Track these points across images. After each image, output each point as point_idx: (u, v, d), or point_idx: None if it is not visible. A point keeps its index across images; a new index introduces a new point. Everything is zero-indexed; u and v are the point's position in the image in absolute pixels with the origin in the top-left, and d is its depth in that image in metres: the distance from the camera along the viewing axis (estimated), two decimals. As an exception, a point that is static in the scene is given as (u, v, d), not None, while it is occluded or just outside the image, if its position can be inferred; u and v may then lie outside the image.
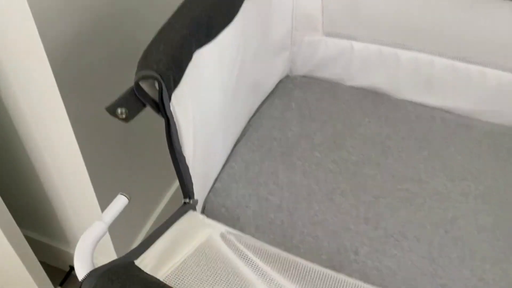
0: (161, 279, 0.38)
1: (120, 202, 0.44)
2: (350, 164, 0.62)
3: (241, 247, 0.42)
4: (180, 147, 0.42)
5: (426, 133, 0.67)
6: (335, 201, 0.57)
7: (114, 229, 0.81)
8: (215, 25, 0.47)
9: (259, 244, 0.43)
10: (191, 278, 0.40)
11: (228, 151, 0.62)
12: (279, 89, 0.72)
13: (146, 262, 0.41)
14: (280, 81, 0.74)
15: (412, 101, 0.71)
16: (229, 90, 0.53)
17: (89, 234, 0.42)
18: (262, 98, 0.69)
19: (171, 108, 0.40)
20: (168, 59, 0.39)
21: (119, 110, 0.38)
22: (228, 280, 0.42)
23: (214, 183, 0.58)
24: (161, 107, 0.39)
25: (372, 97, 0.72)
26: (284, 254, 0.43)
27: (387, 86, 0.71)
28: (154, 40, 0.40)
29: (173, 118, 0.40)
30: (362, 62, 0.70)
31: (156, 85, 0.38)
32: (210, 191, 0.56)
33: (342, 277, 0.39)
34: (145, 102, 0.39)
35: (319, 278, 0.42)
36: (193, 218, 0.45)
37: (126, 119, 0.39)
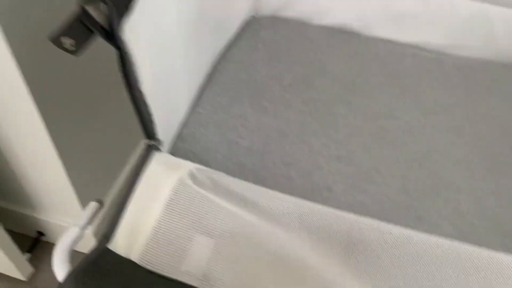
0: (137, 260, 0.39)
1: (92, 207, 0.44)
2: (321, 104, 0.60)
3: (215, 184, 0.40)
4: (136, 81, 0.39)
5: (397, 69, 0.65)
6: (307, 141, 0.55)
7: (81, 190, 0.78)
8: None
9: (232, 179, 0.41)
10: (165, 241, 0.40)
11: (193, 96, 0.58)
12: (244, 31, 0.68)
13: (119, 243, 0.40)
14: (246, 22, 0.70)
15: (383, 38, 0.69)
16: (189, 24, 0.49)
17: (65, 239, 0.43)
18: (227, 40, 0.65)
19: (124, 37, 0.36)
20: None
21: (65, 41, 0.34)
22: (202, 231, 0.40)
23: (181, 130, 0.55)
24: (112, 34, 0.35)
25: (342, 36, 0.69)
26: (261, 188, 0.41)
27: (357, 23, 0.69)
28: None
29: (125, 47, 0.36)
30: (330, -1, 0.67)
31: (105, 9, 0.34)
32: (177, 137, 0.53)
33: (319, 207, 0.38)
34: (93, 29, 0.35)
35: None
36: (159, 162, 0.42)
37: (75, 52, 0.35)
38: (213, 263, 0.39)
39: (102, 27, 0.35)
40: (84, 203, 0.81)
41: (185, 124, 0.55)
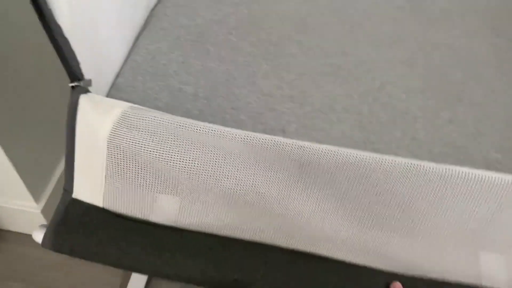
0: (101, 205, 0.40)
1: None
2: (270, 44, 0.56)
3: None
4: (50, 11, 0.34)
5: (346, 6, 0.62)
6: (257, 83, 0.52)
7: (26, 172, 0.71)
8: None
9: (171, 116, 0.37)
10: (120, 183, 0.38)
11: (129, 44, 0.53)
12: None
13: (81, 191, 0.40)
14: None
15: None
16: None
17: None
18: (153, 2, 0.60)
19: None
20: None
21: None
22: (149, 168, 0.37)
23: (115, 79, 0.50)
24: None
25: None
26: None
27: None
28: None
29: None
30: None
31: None
32: (111, 87, 0.49)
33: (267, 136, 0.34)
34: None
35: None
36: (89, 104, 0.37)
37: None
38: (170, 203, 0.37)
39: None
40: (28, 182, 0.75)
41: (120, 74, 0.50)
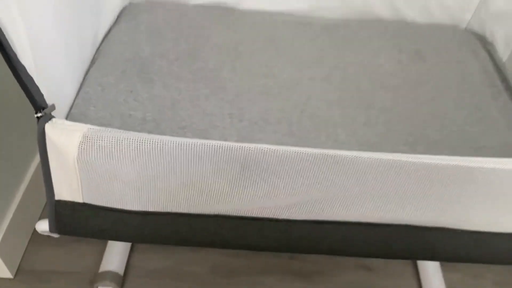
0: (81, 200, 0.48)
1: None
2: (208, 71, 0.64)
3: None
4: (15, 54, 0.39)
5: (271, 34, 0.71)
6: (199, 105, 0.59)
7: None
8: None
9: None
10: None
11: (80, 78, 0.59)
12: (124, 15, 0.70)
13: (63, 194, 0.48)
14: (124, 8, 0.72)
15: (255, 10, 0.75)
16: (67, 6, 0.50)
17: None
18: (107, 24, 0.66)
19: None
20: None
21: None
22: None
23: (69, 111, 0.55)
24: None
25: (218, 11, 0.74)
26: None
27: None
28: None
29: None
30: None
31: None
32: (66, 118, 0.54)
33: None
34: None
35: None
36: (54, 131, 0.43)
37: None
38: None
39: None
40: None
41: (73, 105, 0.55)
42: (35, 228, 0.93)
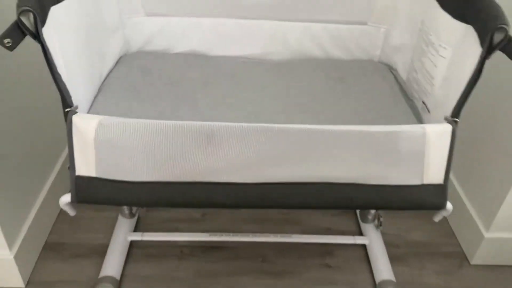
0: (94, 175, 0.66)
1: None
2: (185, 95, 0.86)
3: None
4: (55, 66, 0.61)
5: (233, 71, 0.95)
6: (180, 116, 0.80)
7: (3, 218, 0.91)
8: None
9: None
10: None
11: (90, 102, 0.80)
12: (121, 61, 0.94)
13: (81, 170, 0.67)
14: (121, 57, 0.95)
15: (221, 55, 1.00)
16: (84, 50, 0.73)
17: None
18: (109, 67, 0.90)
19: (43, 38, 0.59)
20: (36, 2, 0.58)
21: (5, 40, 0.56)
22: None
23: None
24: (37, 35, 0.58)
25: (193, 57, 0.98)
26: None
27: (202, 48, 0.99)
28: None
29: (46, 44, 0.59)
30: (178, 33, 0.97)
31: (31, 18, 0.57)
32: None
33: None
34: (26, 32, 0.57)
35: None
36: (78, 119, 0.63)
37: (11, 48, 0.57)
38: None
39: (30, 32, 0.58)
40: (4, 229, 0.93)
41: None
42: (43, 246, 1.09)
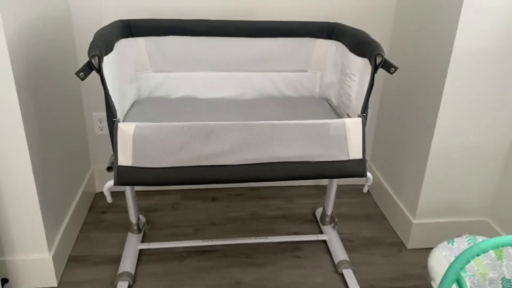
0: (131, 164, 0.97)
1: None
2: (184, 119, 1.22)
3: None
4: (108, 90, 0.97)
5: (215, 106, 1.32)
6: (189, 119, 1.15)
7: (47, 222, 1.23)
8: (109, 49, 1.06)
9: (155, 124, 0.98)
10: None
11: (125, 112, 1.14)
12: (135, 104, 1.30)
13: (122, 161, 0.97)
14: (135, 101, 1.32)
15: (207, 98, 1.38)
16: (115, 82, 1.10)
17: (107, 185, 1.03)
18: (127, 108, 1.25)
19: (103, 72, 0.95)
20: (101, 50, 0.95)
21: (80, 74, 0.92)
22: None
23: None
24: (98, 70, 0.95)
25: (188, 100, 1.36)
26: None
27: (192, 92, 1.37)
28: (93, 41, 0.96)
29: (103, 77, 0.96)
30: (175, 83, 1.35)
31: (97, 59, 0.94)
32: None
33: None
34: (93, 68, 0.94)
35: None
36: (121, 124, 0.97)
37: (83, 79, 0.93)
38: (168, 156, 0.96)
39: (95, 68, 0.94)
40: (49, 232, 1.20)
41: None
42: (68, 258, 1.35)
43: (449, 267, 0.88)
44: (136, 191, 1.74)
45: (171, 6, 1.46)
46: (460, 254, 0.87)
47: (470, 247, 0.86)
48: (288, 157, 1.04)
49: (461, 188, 1.42)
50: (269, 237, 1.46)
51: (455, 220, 1.47)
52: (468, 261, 0.86)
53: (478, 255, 0.86)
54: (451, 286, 0.90)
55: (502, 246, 0.85)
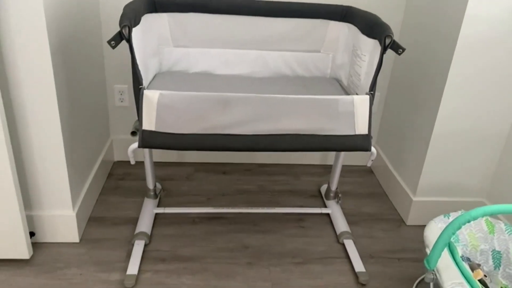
0: (154, 129, 1.05)
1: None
2: (212, 85, 1.30)
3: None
4: (135, 59, 1.05)
5: (231, 82, 1.40)
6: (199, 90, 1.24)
7: (72, 180, 1.34)
8: (137, 22, 1.14)
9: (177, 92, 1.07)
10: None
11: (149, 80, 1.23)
12: (157, 77, 1.38)
13: (146, 125, 1.05)
14: (156, 74, 1.40)
15: (223, 74, 1.46)
16: (140, 54, 1.18)
17: (132, 147, 1.18)
18: (149, 80, 1.34)
19: (132, 42, 1.03)
20: (130, 22, 1.04)
21: (111, 42, 1.01)
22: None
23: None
24: (128, 39, 1.03)
25: (205, 75, 1.44)
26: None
27: (210, 68, 1.45)
28: (124, 13, 1.04)
29: (132, 46, 1.04)
30: (194, 59, 1.43)
31: (127, 29, 1.02)
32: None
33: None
34: (123, 37, 1.02)
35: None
36: (147, 91, 1.06)
37: (114, 47, 1.02)
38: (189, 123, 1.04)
39: (125, 37, 1.03)
40: (73, 191, 1.30)
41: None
42: (88, 219, 1.45)
43: (442, 232, 0.97)
44: (154, 162, 1.84)
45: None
46: (453, 221, 0.96)
47: (462, 215, 0.95)
48: (297, 130, 1.12)
49: (460, 169, 1.50)
50: (276, 208, 1.55)
51: (453, 199, 1.55)
52: (459, 227, 0.95)
53: (469, 222, 0.94)
54: (442, 249, 0.98)
55: (491, 214, 0.93)
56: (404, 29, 1.66)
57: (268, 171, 1.86)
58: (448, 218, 1.21)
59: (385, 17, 1.66)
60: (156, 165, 1.84)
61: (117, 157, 1.85)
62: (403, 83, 1.64)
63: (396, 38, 1.69)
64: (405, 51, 1.61)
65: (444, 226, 1.20)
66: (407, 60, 1.61)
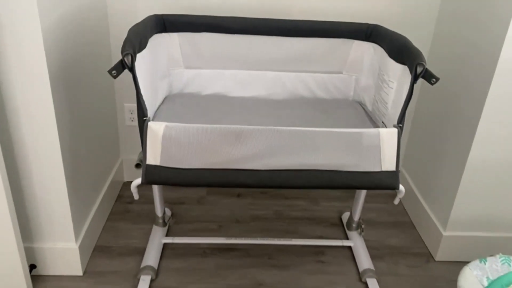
0: (158, 163, 0.97)
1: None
2: (213, 116, 1.20)
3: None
4: (140, 89, 0.96)
5: (245, 105, 1.30)
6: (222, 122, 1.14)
7: (74, 212, 1.25)
8: (143, 46, 1.05)
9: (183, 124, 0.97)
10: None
11: (155, 108, 1.14)
12: (167, 100, 1.29)
13: (150, 160, 0.98)
14: (165, 97, 1.31)
15: (238, 96, 1.36)
16: (148, 78, 1.09)
17: (135, 182, 1.04)
18: (158, 103, 1.25)
19: (135, 71, 0.94)
20: (134, 49, 0.94)
21: (113, 72, 0.92)
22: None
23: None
24: (131, 69, 0.94)
25: (218, 97, 1.34)
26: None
27: (223, 90, 1.35)
28: (127, 38, 0.95)
29: (135, 76, 0.95)
30: (207, 80, 1.33)
31: (130, 58, 0.93)
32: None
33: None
34: (126, 66, 0.93)
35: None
36: (151, 123, 0.97)
37: (115, 77, 0.93)
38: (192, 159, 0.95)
39: (128, 66, 0.94)
40: (75, 222, 1.22)
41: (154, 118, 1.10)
42: (93, 248, 1.37)
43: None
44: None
45: (205, 2, 1.44)
46: (494, 281, 0.83)
47: (506, 274, 0.82)
48: (317, 165, 1.01)
49: (496, 202, 1.36)
50: (293, 240, 1.44)
51: (488, 235, 1.41)
52: (502, 289, 0.83)
53: (513, 284, 0.82)
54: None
55: (541, 277, 0.81)
56: (433, 49, 1.52)
57: (285, 194, 1.75)
58: (485, 264, 1.08)
59: (413, 36, 1.53)
60: (166, 186, 1.75)
61: (127, 178, 1.77)
62: (434, 104, 1.51)
63: (425, 59, 1.56)
64: (438, 77, 1.48)
65: (480, 273, 1.07)
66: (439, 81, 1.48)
